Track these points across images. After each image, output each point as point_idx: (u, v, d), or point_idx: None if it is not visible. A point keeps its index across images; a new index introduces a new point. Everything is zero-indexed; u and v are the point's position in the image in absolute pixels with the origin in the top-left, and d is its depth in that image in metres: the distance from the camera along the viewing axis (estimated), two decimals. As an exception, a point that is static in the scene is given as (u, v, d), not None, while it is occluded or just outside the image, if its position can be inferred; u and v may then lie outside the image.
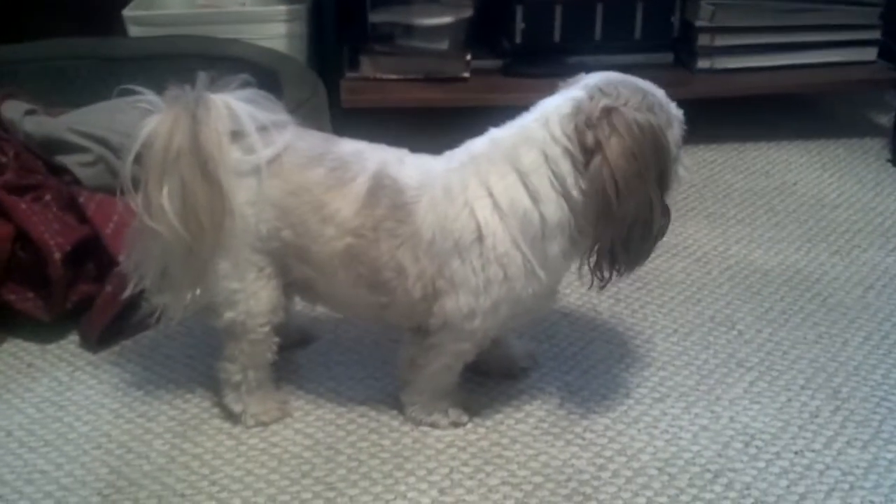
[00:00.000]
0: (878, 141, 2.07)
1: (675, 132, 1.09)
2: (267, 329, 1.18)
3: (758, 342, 1.39)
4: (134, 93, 1.12)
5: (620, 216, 1.04)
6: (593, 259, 1.10)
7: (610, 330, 1.43)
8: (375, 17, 2.00)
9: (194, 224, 1.09)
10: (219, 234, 1.11)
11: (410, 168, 1.14)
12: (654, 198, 1.05)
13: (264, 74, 1.72)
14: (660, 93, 1.09)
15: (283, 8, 2.06)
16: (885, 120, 2.15)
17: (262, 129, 1.13)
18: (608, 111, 1.04)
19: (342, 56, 2.01)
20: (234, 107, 1.11)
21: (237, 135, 1.12)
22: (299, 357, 1.36)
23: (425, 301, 1.12)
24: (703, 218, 1.76)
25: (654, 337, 1.41)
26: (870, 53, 2.09)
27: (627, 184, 1.03)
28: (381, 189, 1.11)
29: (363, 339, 1.40)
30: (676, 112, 1.10)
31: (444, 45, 1.98)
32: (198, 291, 1.17)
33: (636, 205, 1.04)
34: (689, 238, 1.68)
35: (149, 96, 1.11)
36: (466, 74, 2.00)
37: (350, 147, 1.17)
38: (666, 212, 1.09)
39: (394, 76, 2.01)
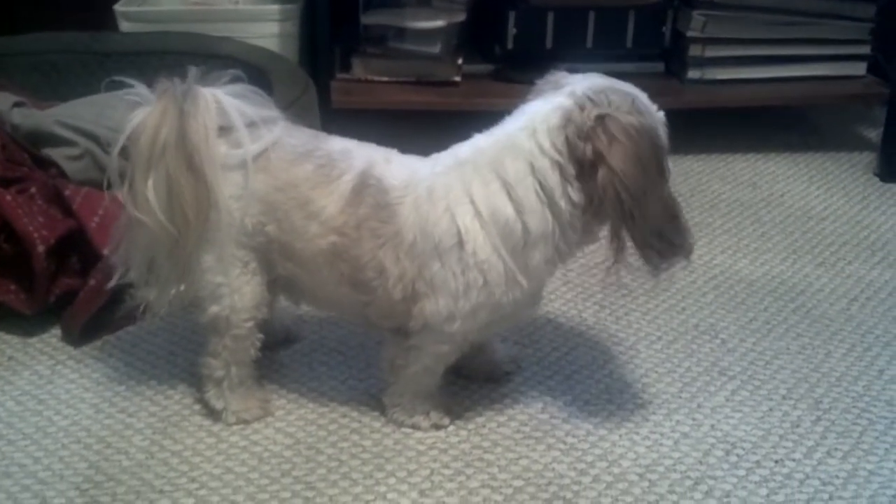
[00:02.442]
0: (866, 155, 2.09)
1: (663, 130, 1.10)
2: (251, 325, 1.18)
3: (741, 351, 1.40)
4: (124, 86, 1.12)
5: (642, 219, 1.05)
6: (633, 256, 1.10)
7: (594, 336, 1.43)
8: (368, 19, 2.00)
9: (179, 216, 1.10)
10: (203, 227, 1.11)
11: (396, 168, 1.14)
12: (667, 192, 1.07)
13: (255, 73, 1.72)
14: (643, 95, 1.10)
15: (275, 7, 2.06)
16: (873, 134, 2.16)
17: (251, 124, 1.13)
18: (602, 119, 1.04)
19: (334, 57, 2.01)
20: (222, 101, 1.12)
21: (225, 129, 1.12)
22: (283, 356, 1.35)
23: (405, 302, 1.12)
24: (690, 227, 1.75)
25: (637, 344, 1.41)
26: (859, 68, 2.10)
27: (639, 188, 1.03)
28: (366, 188, 1.11)
29: (347, 341, 1.39)
30: (658, 112, 1.11)
31: (435, 49, 1.98)
32: (182, 286, 1.17)
33: (654, 205, 1.05)
34: (675, 247, 1.68)
35: (139, 89, 1.11)
36: (458, 78, 2.00)
37: (339, 145, 1.17)
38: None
39: (385, 78, 2.01)
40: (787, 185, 1.95)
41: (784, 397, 1.30)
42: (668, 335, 1.43)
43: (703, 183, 1.95)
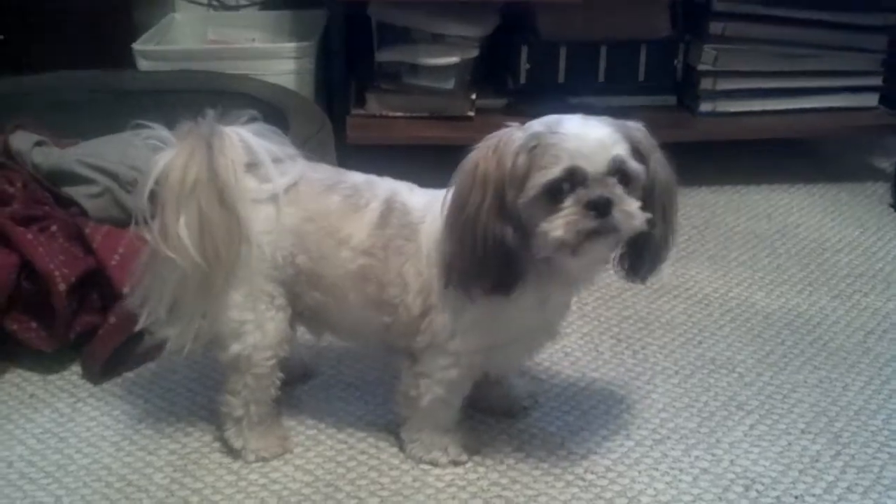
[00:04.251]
0: (880, 185, 2.09)
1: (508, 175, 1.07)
2: (272, 363, 1.19)
3: (758, 385, 1.39)
4: (145, 126, 1.13)
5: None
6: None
7: (611, 371, 1.43)
8: (382, 56, 2.02)
9: (211, 252, 1.11)
10: (235, 262, 1.14)
11: (418, 194, 1.18)
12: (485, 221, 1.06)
13: (272, 110, 1.75)
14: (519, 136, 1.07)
15: (291, 45, 2.09)
16: (886, 165, 2.16)
17: (276, 160, 1.16)
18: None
19: (349, 93, 2.04)
20: (247, 138, 1.15)
21: (251, 165, 1.15)
22: (300, 392, 1.36)
23: (423, 318, 1.14)
24: (706, 260, 1.77)
25: (654, 378, 1.41)
26: (871, 99, 2.11)
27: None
28: (392, 212, 1.15)
29: (364, 375, 1.40)
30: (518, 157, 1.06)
31: (449, 85, 2.00)
32: (206, 323, 1.18)
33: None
34: (690, 280, 1.69)
35: (159, 132, 1.13)
36: (471, 113, 2.02)
37: (361, 177, 1.21)
38: None
39: (399, 114, 2.03)
40: (801, 217, 1.95)
41: (803, 431, 1.29)
42: (685, 369, 1.43)
43: (718, 215, 1.95)
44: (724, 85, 2.07)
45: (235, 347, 1.17)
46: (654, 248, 1.11)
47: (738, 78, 2.07)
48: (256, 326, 1.17)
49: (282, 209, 1.15)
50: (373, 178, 1.20)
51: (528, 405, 1.34)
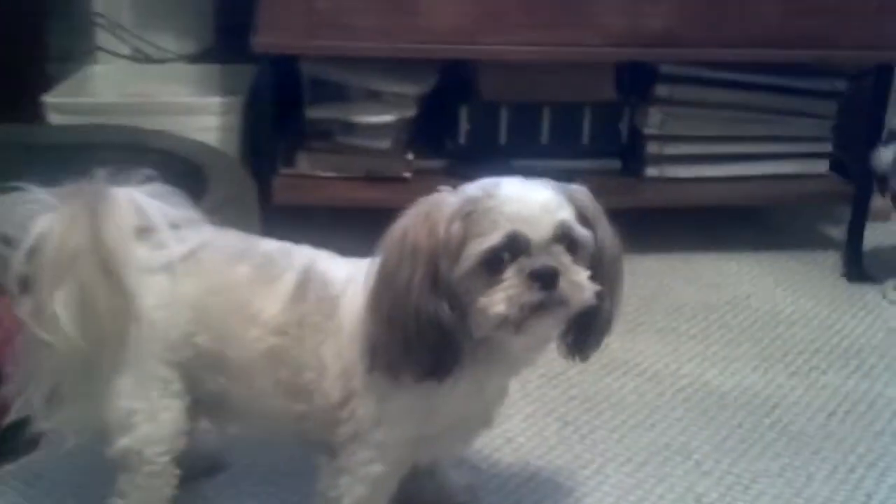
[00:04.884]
0: (830, 254, 2.02)
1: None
2: (166, 459, 1.05)
3: (717, 474, 1.28)
4: (20, 188, 1.00)
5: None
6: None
7: (558, 458, 1.30)
8: (314, 113, 1.91)
9: (94, 332, 0.98)
10: (122, 343, 1.00)
11: (340, 264, 1.06)
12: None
13: (190, 167, 1.66)
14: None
15: (216, 100, 1.99)
16: (835, 233, 2.10)
17: (174, 225, 1.04)
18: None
19: (277, 151, 1.92)
20: (139, 201, 1.02)
21: (145, 231, 1.03)
22: (206, 488, 1.20)
23: (343, 405, 1.01)
24: (654, 333, 1.66)
25: (605, 467, 1.28)
26: (821, 166, 2.05)
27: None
28: (309, 284, 1.02)
29: (281, 467, 1.25)
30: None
31: (385, 144, 1.90)
32: (90, 412, 1.04)
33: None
34: (639, 355, 1.58)
35: (37, 193, 0.99)
36: (408, 174, 1.91)
37: (275, 245, 1.08)
38: None
39: (332, 174, 1.92)
40: (752, 287, 1.87)
41: (767, 528, 1.18)
42: (637, 455, 1.31)
43: (665, 284, 1.86)
44: (671, 150, 1.99)
45: (124, 441, 1.03)
46: (601, 323, 1.00)
47: (685, 143, 1.99)
48: (148, 417, 1.02)
49: (179, 280, 1.02)
50: (289, 245, 1.08)
51: (466, 500, 1.20)
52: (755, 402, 1.46)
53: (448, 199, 0.94)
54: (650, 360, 1.57)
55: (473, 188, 0.95)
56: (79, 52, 2.20)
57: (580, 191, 0.99)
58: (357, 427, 1.00)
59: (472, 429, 1.09)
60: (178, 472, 1.06)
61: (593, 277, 0.94)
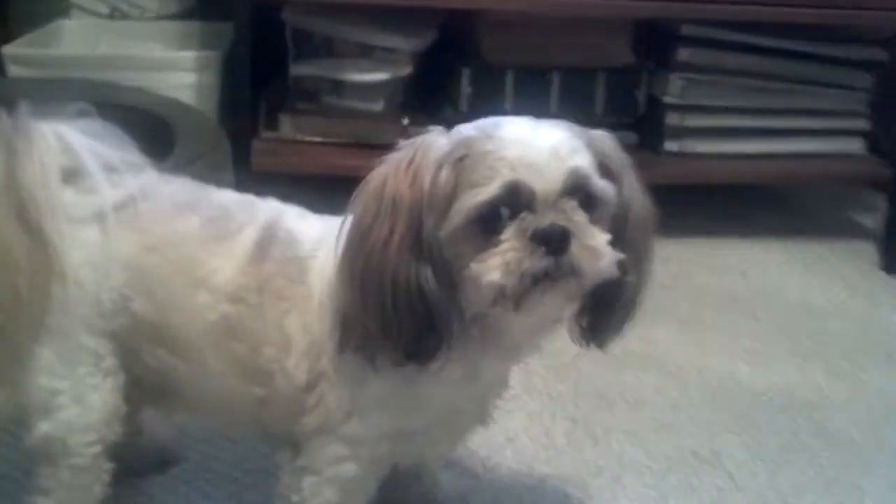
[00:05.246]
0: (866, 245, 1.85)
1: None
2: (96, 450, 0.90)
3: (754, 489, 1.11)
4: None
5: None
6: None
7: (566, 464, 1.14)
8: (299, 70, 1.76)
9: (8, 294, 0.85)
10: (42, 307, 0.86)
11: (312, 221, 0.91)
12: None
13: (159, 123, 1.52)
14: None
15: (191, 54, 1.83)
16: (869, 221, 1.94)
17: (109, 167, 0.90)
18: None
19: (258, 113, 1.77)
20: (68, 138, 0.88)
21: (73, 174, 0.89)
22: (153, 485, 1.05)
23: (309, 390, 0.85)
24: (676, 323, 1.49)
25: (622, 476, 1.12)
26: (855, 144, 1.88)
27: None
28: (273, 242, 0.88)
29: (243, 463, 1.09)
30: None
31: (377, 107, 1.75)
32: (6, 391, 0.91)
33: None
34: (660, 347, 1.42)
35: None
36: (402, 141, 1.73)
37: (234, 196, 0.94)
38: None
39: (318, 139, 1.77)
40: (781, 276, 1.71)
41: (816, 554, 1.00)
42: (659, 463, 1.15)
43: (686, 270, 1.69)
44: (693, 121, 1.83)
45: (44, 427, 0.88)
46: (625, 302, 0.83)
47: (708, 114, 1.83)
48: (74, 398, 0.88)
49: (112, 234, 0.87)
50: (251, 197, 0.92)
51: (456, 511, 1.03)
52: (793, 403, 1.30)
53: (437, 142, 0.78)
54: (672, 353, 1.41)
55: (469, 128, 0.79)
56: (54, 10, 2.05)
57: (603, 136, 0.82)
58: (325, 417, 0.84)
59: (463, 425, 0.92)
60: (110, 466, 0.91)
61: (615, 243, 0.76)
